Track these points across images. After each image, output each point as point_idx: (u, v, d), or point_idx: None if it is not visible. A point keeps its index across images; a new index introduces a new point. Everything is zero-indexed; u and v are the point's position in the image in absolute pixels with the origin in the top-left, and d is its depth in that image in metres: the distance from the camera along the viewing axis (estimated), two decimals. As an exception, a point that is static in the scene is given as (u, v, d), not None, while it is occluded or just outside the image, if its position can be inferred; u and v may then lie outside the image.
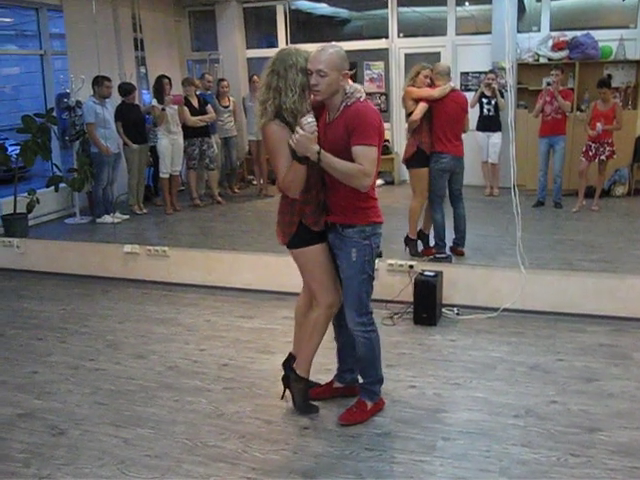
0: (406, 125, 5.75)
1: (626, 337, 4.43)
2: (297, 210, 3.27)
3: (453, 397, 3.70)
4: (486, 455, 3.12)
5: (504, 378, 3.91)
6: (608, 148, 7.40)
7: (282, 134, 3.11)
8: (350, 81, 3.22)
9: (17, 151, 7.52)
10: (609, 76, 8.21)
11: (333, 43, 3.19)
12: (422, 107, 5.54)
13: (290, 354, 3.66)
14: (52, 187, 7.74)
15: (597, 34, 8.51)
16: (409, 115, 5.64)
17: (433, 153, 5.64)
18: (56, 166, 7.94)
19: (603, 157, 7.42)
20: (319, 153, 3.03)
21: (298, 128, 2.99)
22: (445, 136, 5.60)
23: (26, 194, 7.38)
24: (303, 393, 3.54)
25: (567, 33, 8.66)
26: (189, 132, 8.16)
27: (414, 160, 5.68)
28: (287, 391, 3.63)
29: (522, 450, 3.15)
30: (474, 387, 3.81)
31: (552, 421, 3.40)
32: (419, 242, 5.90)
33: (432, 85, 5.61)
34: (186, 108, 8.08)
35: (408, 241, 5.84)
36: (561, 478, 2.93)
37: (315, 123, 3.02)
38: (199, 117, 8.19)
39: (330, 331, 3.55)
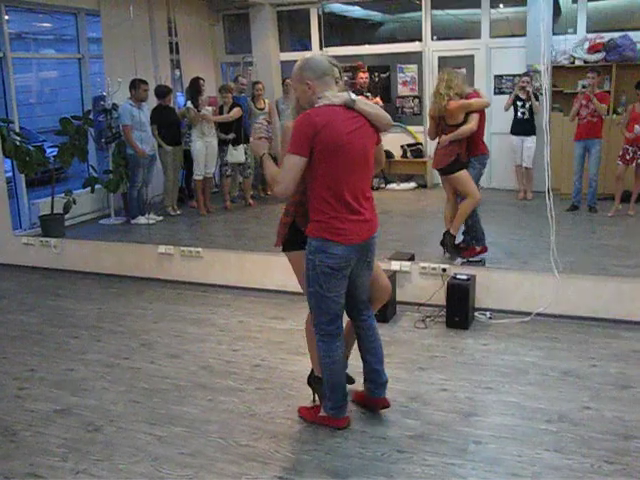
0: (442, 137, 5.71)
1: (662, 343, 4.37)
2: (291, 211, 3.38)
3: (485, 401, 3.69)
4: (518, 460, 3.11)
5: (537, 383, 3.88)
6: None
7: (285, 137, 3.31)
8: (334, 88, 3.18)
9: (55, 153, 7.67)
10: (650, 77, 8.08)
11: (309, 53, 3.33)
12: (477, 117, 5.65)
13: None
14: (88, 188, 7.87)
15: (635, 35, 8.37)
16: (454, 126, 5.63)
17: (476, 157, 5.73)
18: (92, 167, 8.07)
19: None
20: (262, 156, 3.23)
21: None
22: (482, 139, 5.76)
23: (63, 195, 7.52)
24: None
25: (604, 35, 8.54)
26: (222, 139, 8.20)
27: (452, 167, 5.68)
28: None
29: (555, 456, 3.13)
30: (506, 391, 3.79)
31: (586, 427, 3.37)
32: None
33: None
34: (210, 110, 8.12)
35: (449, 237, 5.75)
36: (595, 484, 2.91)
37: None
38: (217, 117, 8.17)
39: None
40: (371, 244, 3.26)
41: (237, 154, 8.32)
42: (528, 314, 4.81)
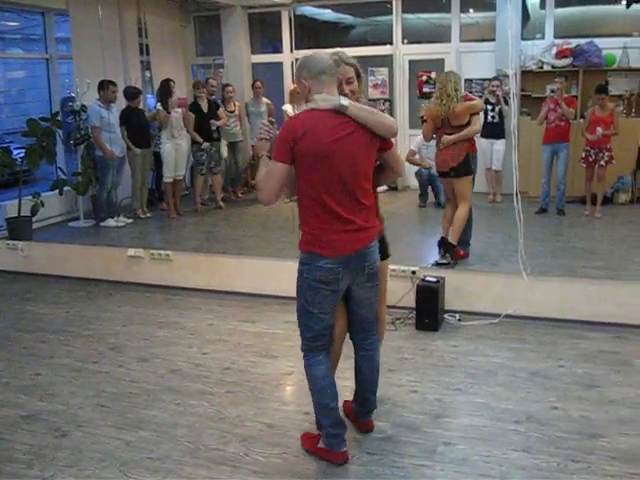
0: (444, 137, 5.74)
1: (627, 344, 4.44)
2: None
3: (454, 402, 3.71)
4: (486, 460, 3.13)
5: (505, 384, 3.92)
6: (607, 154, 7.44)
7: None
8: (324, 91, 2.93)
9: (22, 154, 7.56)
10: (606, 82, 8.24)
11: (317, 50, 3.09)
12: (480, 118, 5.87)
13: None
14: (56, 190, 7.76)
15: (601, 42, 8.54)
16: (458, 127, 5.66)
17: (473, 154, 5.94)
18: (60, 169, 7.97)
19: (602, 162, 7.45)
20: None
21: None
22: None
23: (30, 197, 7.41)
24: None
25: (571, 41, 8.69)
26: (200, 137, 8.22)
27: (462, 168, 5.71)
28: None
29: (522, 455, 3.16)
30: (475, 393, 3.82)
31: (553, 427, 3.41)
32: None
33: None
34: (192, 115, 8.12)
35: (450, 248, 5.75)
36: (561, 484, 2.94)
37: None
38: (211, 121, 8.25)
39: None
40: (366, 254, 3.00)
41: (221, 146, 8.59)
42: (497, 316, 4.85)
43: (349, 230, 2.94)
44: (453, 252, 5.74)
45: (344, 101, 2.88)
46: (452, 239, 5.73)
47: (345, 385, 3.58)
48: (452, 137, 5.65)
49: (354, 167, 2.91)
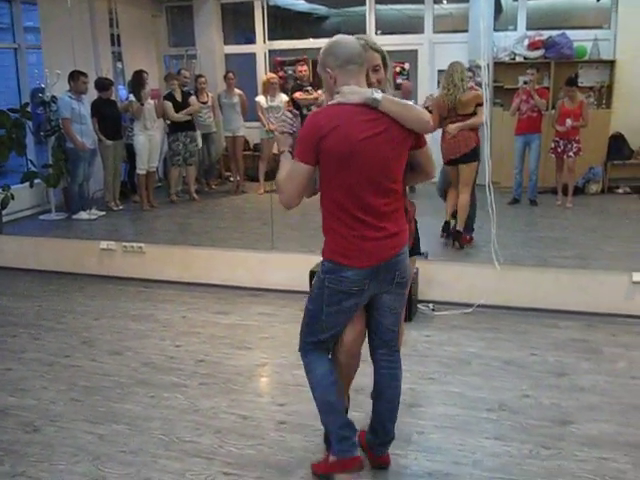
0: (450, 126, 5.88)
1: (597, 332, 4.51)
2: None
3: (428, 392, 3.74)
4: (460, 448, 3.16)
5: (478, 373, 3.96)
6: (575, 145, 7.53)
7: None
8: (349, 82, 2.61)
9: (-10, 146, 7.43)
10: (576, 75, 8.32)
11: (339, 36, 2.66)
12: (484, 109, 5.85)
13: None
14: (27, 183, 7.65)
15: (572, 34, 8.60)
16: (465, 115, 5.82)
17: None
18: (31, 162, 7.85)
19: (571, 154, 7.54)
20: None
21: None
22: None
23: (0, 190, 7.29)
24: None
25: (543, 32, 8.74)
26: (174, 127, 8.19)
27: (472, 154, 5.89)
28: None
29: (495, 443, 3.20)
30: (449, 382, 3.85)
31: (525, 415, 3.45)
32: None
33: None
34: (169, 103, 8.08)
35: (457, 235, 5.94)
36: (532, 470, 2.97)
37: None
38: (183, 111, 8.18)
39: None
40: (397, 262, 2.70)
41: (196, 136, 8.52)
42: (470, 305, 4.89)
43: (378, 237, 2.64)
44: (460, 238, 5.89)
45: (377, 94, 2.55)
46: (458, 226, 5.90)
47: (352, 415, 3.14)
48: (459, 124, 5.79)
49: (386, 168, 2.61)
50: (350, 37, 2.66)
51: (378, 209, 2.62)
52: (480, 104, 5.71)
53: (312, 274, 4.58)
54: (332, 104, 2.59)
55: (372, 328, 2.89)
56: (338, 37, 2.65)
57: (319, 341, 2.85)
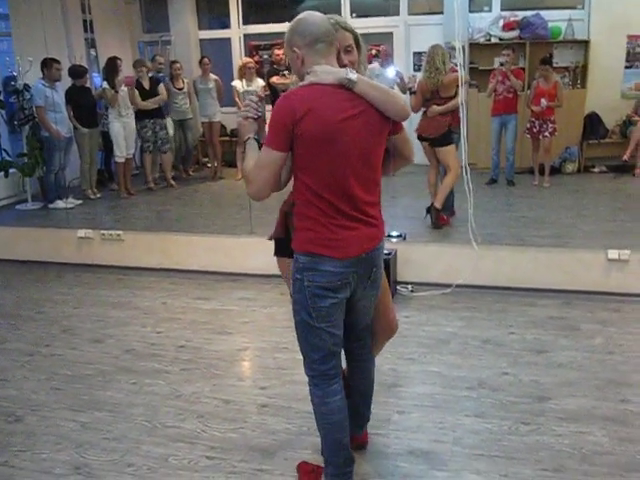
0: (432, 107, 5.98)
1: (575, 309, 4.57)
2: (289, 201, 2.78)
3: (408, 372, 3.78)
4: (440, 427, 3.20)
5: (458, 352, 4.00)
6: (551, 125, 7.61)
7: None
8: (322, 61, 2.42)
9: (-37, 136, 7.35)
10: (551, 55, 8.38)
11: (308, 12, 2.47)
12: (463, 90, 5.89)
13: None
14: (2, 172, 7.58)
15: (546, 14, 8.66)
16: (446, 98, 5.92)
17: (455, 126, 5.89)
18: (5, 151, 7.77)
19: (547, 134, 7.61)
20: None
21: None
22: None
23: (-26, 180, 7.23)
24: None
25: (517, 13, 8.78)
26: (141, 114, 8.11)
27: (442, 138, 5.98)
28: None
29: (475, 420, 3.24)
30: (428, 362, 3.89)
31: (504, 392, 3.49)
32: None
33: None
34: (136, 91, 8.00)
35: (434, 211, 5.98)
36: (512, 445, 3.02)
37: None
38: (149, 100, 8.12)
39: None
40: (375, 256, 2.55)
41: (165, 124, 8.50)
42: (449, 286, 4.93)
43: (358, 227, 2.47)
44: (437, 217, 5.95)
45: (352, 74, 2.36)
46: (437, 204, 5.96)
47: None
48: (440, 108, 5.91)
49: (365, 153, 2.43)
50: (318, 13, 2.46)
51: (358, 197, 2.44)
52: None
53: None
54: (304, 85, 2.39)
55: (346, 330, 2.68)
56: (305, 14, 2.44)
57: (328, 353, 2.58)
